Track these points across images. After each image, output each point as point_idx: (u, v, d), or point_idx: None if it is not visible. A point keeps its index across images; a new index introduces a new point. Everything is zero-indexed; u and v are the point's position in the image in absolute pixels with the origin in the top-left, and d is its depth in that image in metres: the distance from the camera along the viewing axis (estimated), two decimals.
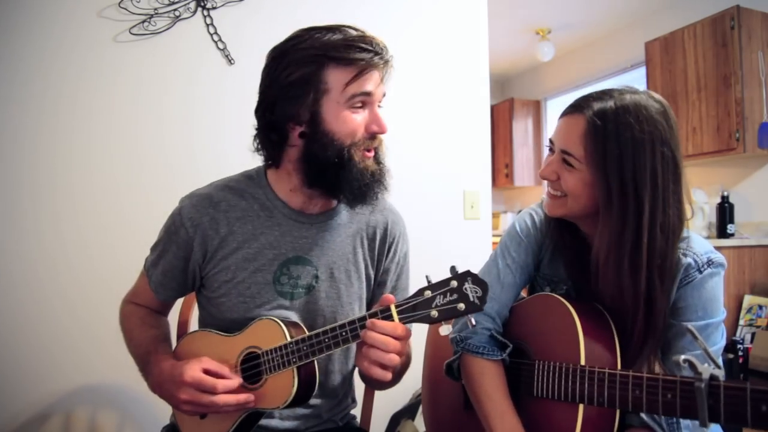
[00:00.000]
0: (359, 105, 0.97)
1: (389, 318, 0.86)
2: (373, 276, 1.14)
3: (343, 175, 0.97)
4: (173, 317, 1.29)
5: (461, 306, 0.82)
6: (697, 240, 0.99)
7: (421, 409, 1.85)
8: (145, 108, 1.73)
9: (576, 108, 0.97)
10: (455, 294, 0.82)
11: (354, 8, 2.02)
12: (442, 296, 0.83)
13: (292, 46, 0.97)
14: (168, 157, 1.74)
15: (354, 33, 0.97)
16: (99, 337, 1.58)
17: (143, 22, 1.71)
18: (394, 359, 0.85)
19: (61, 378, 1.60)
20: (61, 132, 1.63)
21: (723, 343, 0.96)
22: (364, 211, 1.13)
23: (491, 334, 1.07)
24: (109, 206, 1.67)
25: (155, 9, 1.73)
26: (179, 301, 1.23)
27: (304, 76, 0.94)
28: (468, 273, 0.82)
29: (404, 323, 0.86)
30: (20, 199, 1.58)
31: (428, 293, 0.84)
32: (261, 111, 1.01)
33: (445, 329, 0.85)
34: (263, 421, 1.04)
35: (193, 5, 1.78)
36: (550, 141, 1.02)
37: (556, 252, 1.10)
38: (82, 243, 1.64)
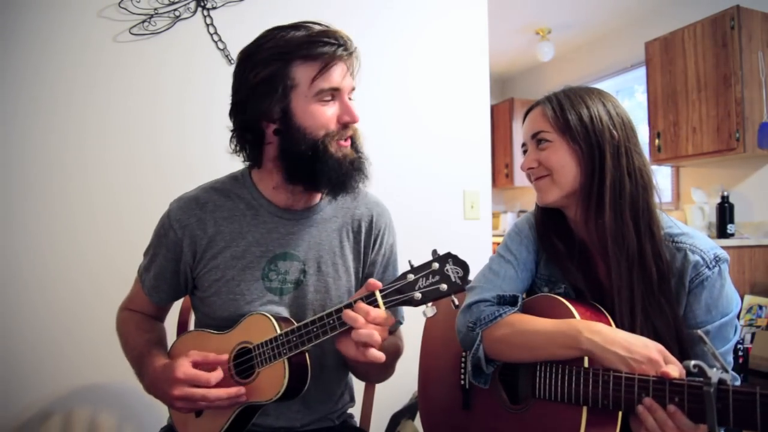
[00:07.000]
0: (328, 98, 0.99)
1: (374, 303, 0.88)
2: (360, 269, 1.15)
3: (319, 168, 0.99)
4: (173, 317, 1.29)
5: (443, 287, 0.84)
6: (700, 237, 1.00)
7: None
8: (145, 108, 1.72)
9: (530, 108, 1.11)
10: (437, 276, 0.85)
11: (353, 8, 2.02)
12: (424, 278, 0.86)
13: (258, 47, 1.00)
14: (170, 157, 1.74)
15: (317, 28, 1.00)
16: (99, 337, 1.58)
17: (143, 22, 1.71)
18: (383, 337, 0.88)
19: (61, 378, 1.60)
20: (64, 131, 1.63)
21: (736, 338, 0.98)
22: (348, 205, 1.14)
23: (495, 302, 1.05)
24: (105, 209, 1.67)
25: (155, 9, 1.73)
26: (177, 304, 1.23)
27: (271, 73, 0.97)
28: (449, 255, 0.85)
29: (389, 306, 0.88)
30: (29, 198, 1.58)
31: (411, 276, 0.86)
32: (234, 112, 1.04)
33: (430, 311, 0.86)
34: (258, 419, 1.05)
35: (193, 5, 1.78)
36: (523, 144, 1.12)
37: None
38: (78, 245, 1.64)
